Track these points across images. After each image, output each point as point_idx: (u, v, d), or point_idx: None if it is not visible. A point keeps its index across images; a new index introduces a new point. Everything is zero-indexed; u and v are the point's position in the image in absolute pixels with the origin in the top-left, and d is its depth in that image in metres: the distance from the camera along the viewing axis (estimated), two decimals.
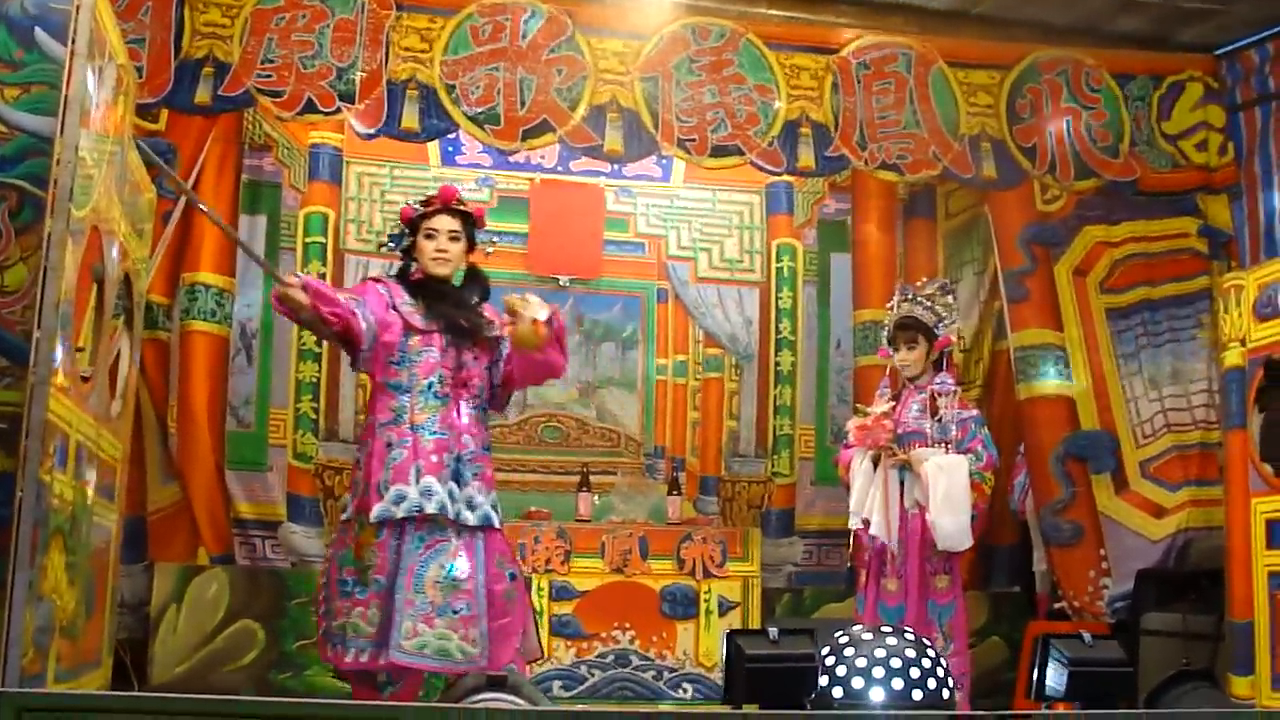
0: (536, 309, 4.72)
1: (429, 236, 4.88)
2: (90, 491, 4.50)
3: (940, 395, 6.02)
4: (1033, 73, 6.63)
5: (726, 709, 4.44)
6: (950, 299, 6.20)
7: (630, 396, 7.89)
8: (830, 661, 4.54)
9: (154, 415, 6.74)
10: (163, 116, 6.25)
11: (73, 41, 3.91)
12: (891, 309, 6.22)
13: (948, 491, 5.78)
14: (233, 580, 6.46)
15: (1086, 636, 4.72)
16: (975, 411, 6.18)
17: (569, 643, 6.57)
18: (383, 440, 4.67)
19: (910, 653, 4.54)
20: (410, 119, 6.03)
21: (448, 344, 4.79)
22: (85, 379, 4.39)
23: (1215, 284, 6.38)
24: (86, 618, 4.60)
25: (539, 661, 5.86)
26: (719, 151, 6.26)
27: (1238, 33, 6.66)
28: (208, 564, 6.61)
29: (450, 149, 7.64)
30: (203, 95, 5.84)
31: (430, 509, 4.60)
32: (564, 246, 7.75)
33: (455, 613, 4.64)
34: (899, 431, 5.98)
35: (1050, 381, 6.80)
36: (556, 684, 6.51)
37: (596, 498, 7.12)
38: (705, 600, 6.75)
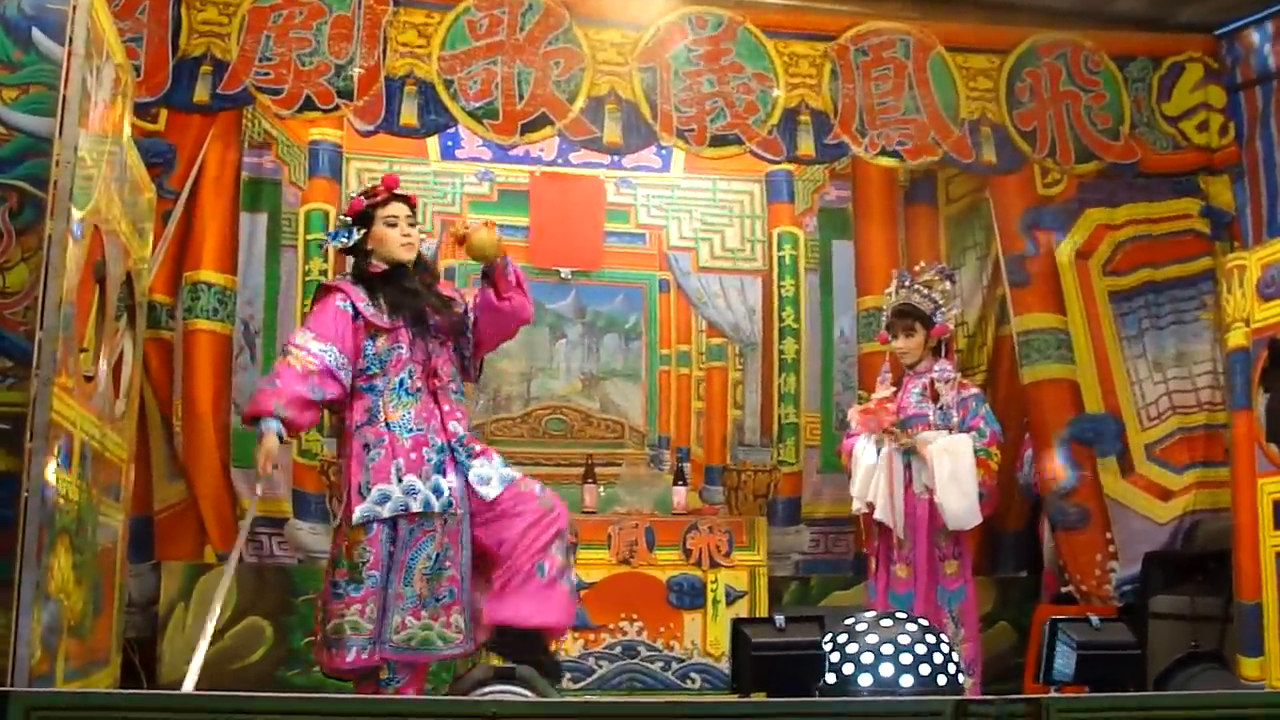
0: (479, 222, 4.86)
1: (391, 224, 4.88)
2: (96, 491, 4.51)
3: (940, 382, 6.02)
4: (1032, 56, 6.62)
5: (734, 698, 4.44)
6: (949, 285, 6.20)
7: (634, 387, 7.88)
8: (837, 648, 4.55)
9: (158, 414, 6.74)
10: (162, 116, 6.24)
11: (70, 41, 3.92)
12: (890, 295, 6.21)
13: (953, 471, 5.79)
14: (240, 578, 6.46)
15: (1094, 620, 4.73)
16: (975, 389, 6.19)
17: (576, 634, 6.56)
18: (360, 442, 4.70)
19: (917, 638, 4.54)
20: (409, 115, 6.02)
21: (414, 337, 4.80)
22: (89, 379, 4.40)
23: (1218, 265, 6.37)
24: (94, 617, 4.61)
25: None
26: (718, 141, 6.25)
27: (1237, 12, 6.64)
28: (215, 562, 6.61)
29: (450, 143, 7.63)
30: (201, 94, 5.83)
31: (415, 508, 4.63)
32: (565, 239, 7.75)
33: (438, 600, 4.69)
34: (901, 416, 5.98)
35: (1054, 365, 6.79)
36: (565, 676, 6.52)
37: (601, 489, 7.11)
38: (712, 590, 6.76)
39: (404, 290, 4.84)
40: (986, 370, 7.53)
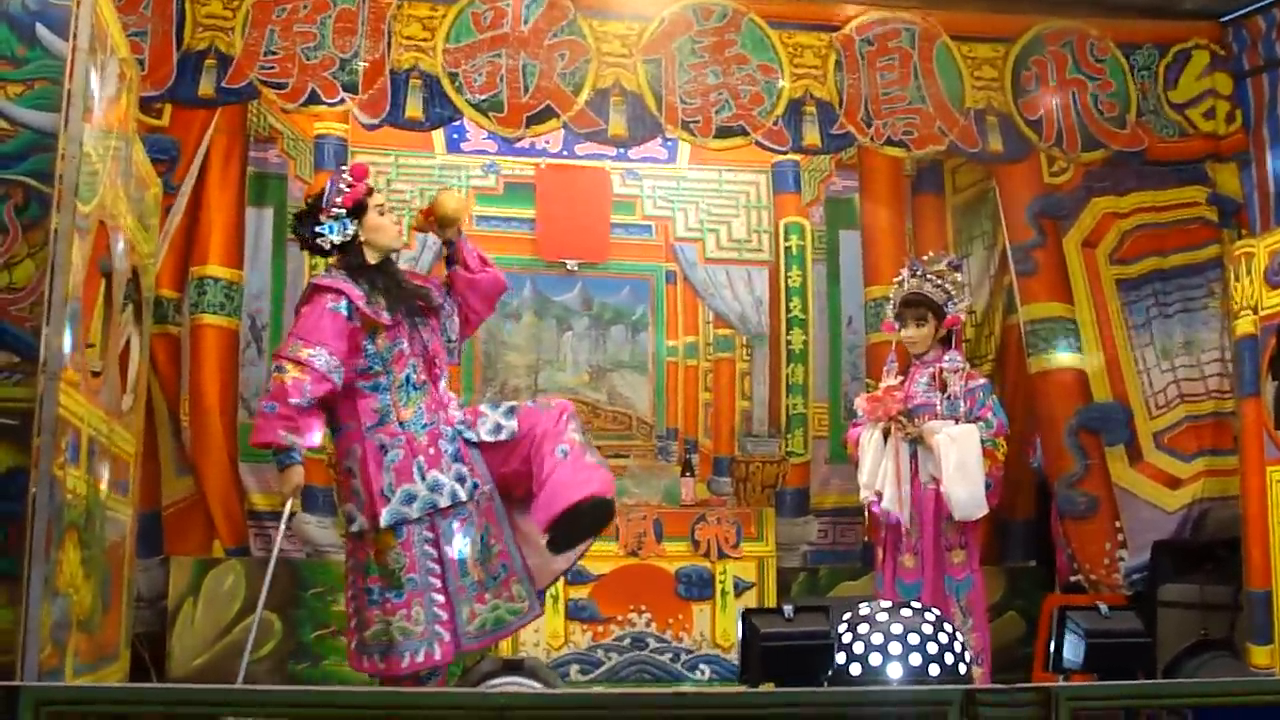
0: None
1: (382, 212, 4.87)
2: (104, 486, 4.51)
3: (950, 372, 6.01)
4: (1037, 44, 6.61)
5: (744, 688, 4.44)
6: (959, 276, 6.18)
7: (641, 379, 7.88)
8: (847, 638, 4.55)
9: (166, 409, 6.75)
10: (166, 112, 6.25)
11: (74, 37, 3.92)
12: (900, 284, 6.19)
13: (960, 460, 5.78)
14: (249, 572, 6.47)
15: (1103, 608, 4.72)
16: (983, 380, 6.18)
17: (585, 626, 6.58)
18: (374, 443, 4.65)
19: (926, 628, 4.54)
20: (414, 108, 6.03)
21: (410, 329, 4.77)
22: (96, 374, 4.41)
23: (1226, 252, 6.35)
24: (103, 612, 4.62)
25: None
26: (724, 132, 6.26)
27: None
28: (223, 556, 6.63)
29: (455, 136, 7.63)
30: (206, 88, 5.84)
31: (444, 502, 4.61)
32: (571, 231, 7.74)
33: (495, 579, 4.69)
34: (908, 406, 5.98)
35: (1061, 354, 6.79)
36: (574, 667, 6.53)
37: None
38: (721, 581, 6.76)
39: (399, 282, 4.83)
40: (994, 359, 7.52)
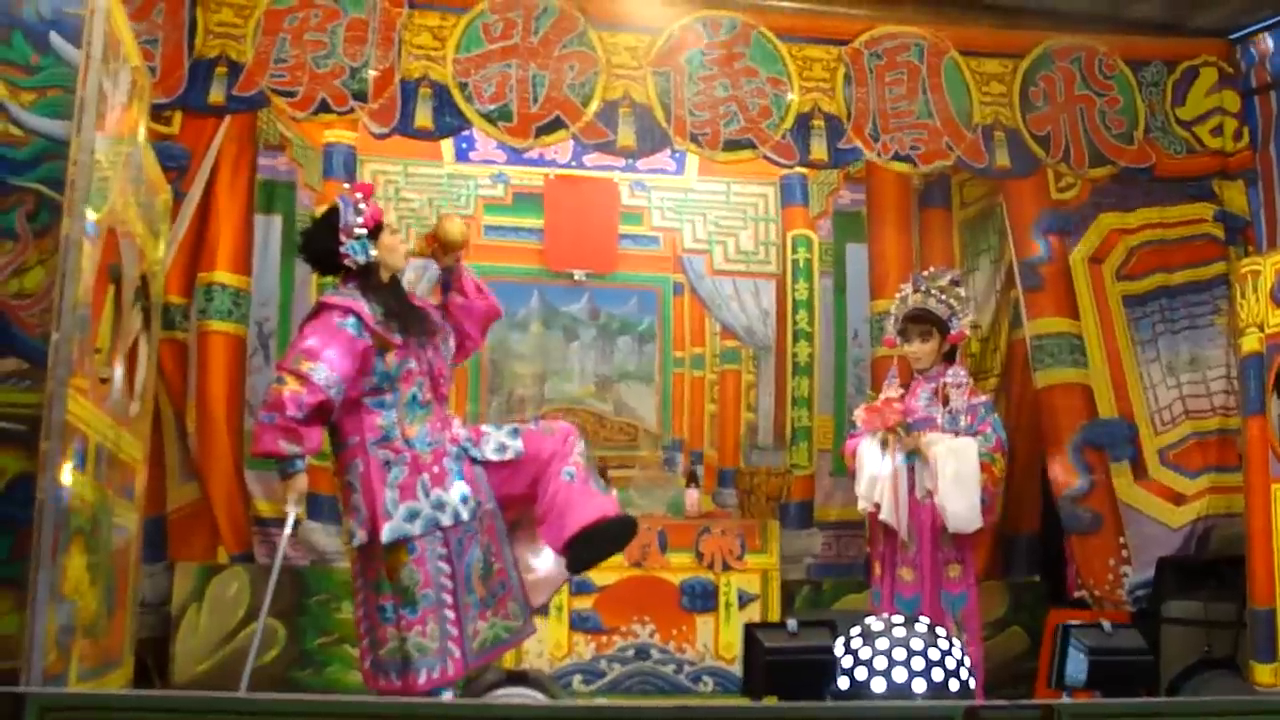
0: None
1: (394, 232, 4.89)
2: (110, 492, 4.52)
3: (953, 387, 6.01)
4: (1046, 60, 6.61)
5: (747, 702, 4.44)
6: (962, 291, 6.19)
7: (647, 390, 7.90)
8: (850, 653, 4.55)
9: (172, 415, 6.76)
10: (176, 120, 6.27)
11: (87, 45, 3.93)
12: (902, 299, 6.20)
13: (958, 472, 5.78)
14: (253, 579, 6.48)
15: (1106, 625, 4.72)
16: (985, 398, 6.19)
17: (589, 637, 6.58)
18: (378, 459, 4.62)
19: (930, 643, 4.54)
20: (423, 117, 6.04)
21: (418, 348, 4.77)
22: (104, 380, 4.42)
23: (1232, 269, 6.35)
24: (108, 617, 4.63)
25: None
26: (732, 145, 6.26)
27: (1252, 17, 6.63)
28: (228, 563, 6.64)
29: (464, 145, 7.65)
30: (216, 95, 5.86)
31: (446, 521, 4.60)
32: (579, 241, 7.76)
33: (494, 596, 4.70)
34: (908, 420, 5.98)
35: (1067, 370, 6.79)
36: (577, 678, 6.53)
37: (615, 492, 7.09)
38: (724, 593, 6.76)
39: (407, 302, 4.83)
40: (1000, 374, 7.53)
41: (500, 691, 4.79)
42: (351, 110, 5.96)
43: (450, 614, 4.57)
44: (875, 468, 6.00)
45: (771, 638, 4.32)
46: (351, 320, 4.59)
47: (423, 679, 4.50)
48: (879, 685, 4.44)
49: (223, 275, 6.90)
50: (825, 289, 7.99)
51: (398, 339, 4.66)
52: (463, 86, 6.02)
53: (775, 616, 6.62)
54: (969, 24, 6.65)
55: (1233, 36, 6.76)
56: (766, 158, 6.36)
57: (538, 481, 4.76)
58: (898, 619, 4.78)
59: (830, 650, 4.34)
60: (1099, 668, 4.59)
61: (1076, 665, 4.66)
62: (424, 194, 7.67)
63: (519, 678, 4.97)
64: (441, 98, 6.03)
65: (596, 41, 6.17)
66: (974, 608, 5.96)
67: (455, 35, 6.06)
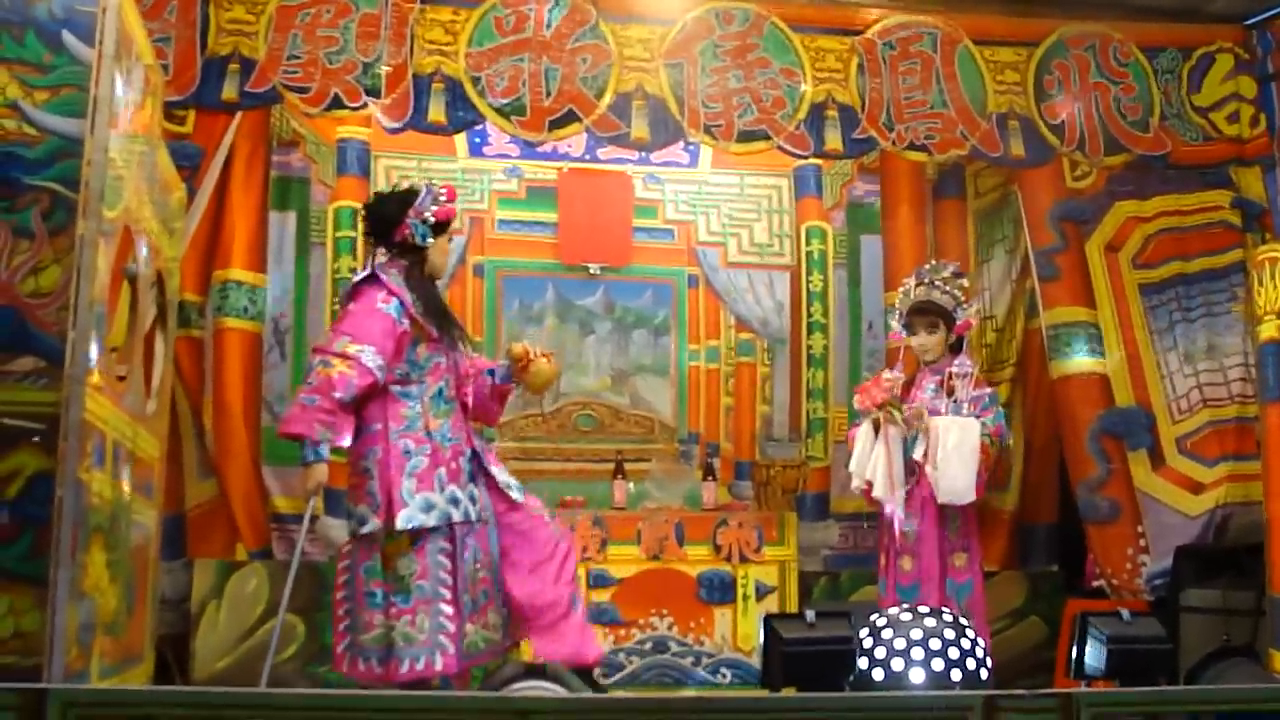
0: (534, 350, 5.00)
1: (451, 239, 4.93)
2: (128, 489, 4.54)
3: (959, 377, 6.04)
4: (1060, 48, 6.59)
5: (765, 693, 4.44)
6: (964, 282, 6.24)
7: (663, 383, 7.90)
8: (868, 643, 4.55)
9: (189, 413, 6.76)
10: (189, 119, 6.28)
11: (100, 43, 3.94)
12: (905, 293, 6.23)
13: (959, 441, 5.82)
14: (272, 574, 6.49)
15: (1125, 614, 4.72)
16: (990, 389, 6.23)
17: (607, 630, 6.57)
18: (399, 447, 4.65)
19: (948, 633, 4.54)
20: (437, 112, 6.04)
21: (449, 347, 4.80)
22: (120, 378, 4.43)
23: (1249, 257, 6.31)
24: (128, 614, 4.65)
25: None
26: (746, 136, 6.25)
27: (1267, 3, 6.60)
28: (246, 559, 6.65)
29: (477, 140, 7.65)
30: (229, 92, 5.86)
31: (457, 517, 4.63)
32: (594, 235, 7.76)
33: (476, 603, 4.71)
34: (896, 393, 6.01)
35: (1084, 359, 6.78)
36: (594, 671, 6.52)
37: (631, 485, 7.12)
38: (742, 585, 6.75)
39: (444, 305, 4.92)
40: (1016, 364, 7.50)
41: (519, 685, 4.80)
42: (364, 105, 5.97)
43: (448, 609, 4.59)
44: (867, 446, 6.03)
45: (790, 629, 4.33)
46: (395, 304, 4.67)
47: (405, 669, 4.53)
48: (898, 675, 4.44)
49: (238, 272, 6.90)
50: (840, 280, 7.97)
51: (434, 331, 4.70)
52: (475, 81, 6.02)
53: (793, 608, 6.61)
54: (982, 12, 6.63)
55: (1248, 22, 6.73)
56: (781, 148, 6.35)
57: (545, 544, 4.86)
58: (917, 609, 4.79)
59: (849, 641, 4.34)
60: (1117, 656, 4.59)
61: (1095, 654, 4.66)
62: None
63: (538, 671, 4.98)
64: (454, 92, 6.03)
65: (609, 34, 6.16)
66: (979, 595, 5.97)
67: (467, 29, 6.06)
